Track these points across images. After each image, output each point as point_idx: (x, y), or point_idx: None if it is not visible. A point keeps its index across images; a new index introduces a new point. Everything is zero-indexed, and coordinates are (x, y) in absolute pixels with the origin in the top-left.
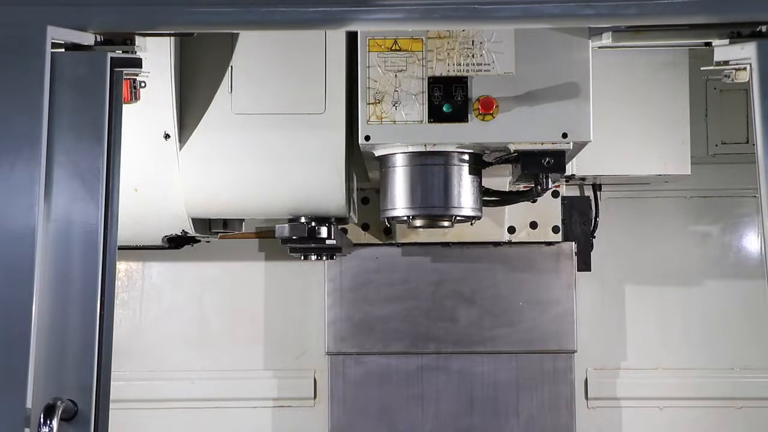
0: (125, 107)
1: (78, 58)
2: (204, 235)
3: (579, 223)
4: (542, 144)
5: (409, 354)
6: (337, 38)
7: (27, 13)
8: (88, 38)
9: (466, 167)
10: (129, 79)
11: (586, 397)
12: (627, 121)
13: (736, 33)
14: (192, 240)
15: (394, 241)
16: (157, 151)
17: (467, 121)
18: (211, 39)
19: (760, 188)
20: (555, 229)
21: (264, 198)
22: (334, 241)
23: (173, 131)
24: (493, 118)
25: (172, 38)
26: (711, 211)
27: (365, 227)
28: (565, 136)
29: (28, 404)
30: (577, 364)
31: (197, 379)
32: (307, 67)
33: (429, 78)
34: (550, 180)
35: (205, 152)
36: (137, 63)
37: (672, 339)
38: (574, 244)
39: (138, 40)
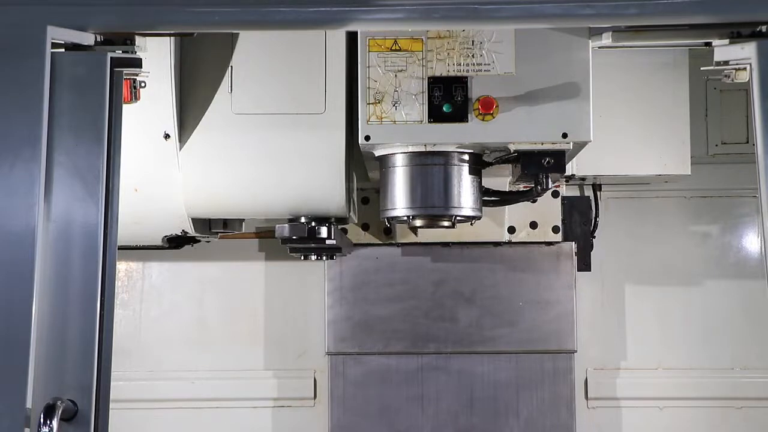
0: (125, 107)
1: (78, 58)
2: (204, 235)
3: (579, 223)
4: (542, 144)
5: (409, 354)
6: (337, 38)
7: (27, 13)
8: (88, 38)
9: (466, 167)
10: (129, 79)
11: (586, 397)
12: (627, 121)
13: (736, 33)
14: (192, 240)
15: (394, 241)
16: (157, 151)
17: (467, 121)
18: (211, 39)
19: (760, 188)
20: (555, 229)
21: (264, 198)
22: (334, 241)
23: (173, 131)
24: (493, 118)
25: (172, 38)
26: (711, 211)
27: (365, 227)
28: (565, 136)
29: (28, 404)
30: (577, 364)
31: (197, 379)
32: (307, 67)
33: (429, 78)
34: (550, 180)
35: (205, 152)
36: (137, 63)
37: (672, 339)
38: (574, 244)
39: (138, 40)
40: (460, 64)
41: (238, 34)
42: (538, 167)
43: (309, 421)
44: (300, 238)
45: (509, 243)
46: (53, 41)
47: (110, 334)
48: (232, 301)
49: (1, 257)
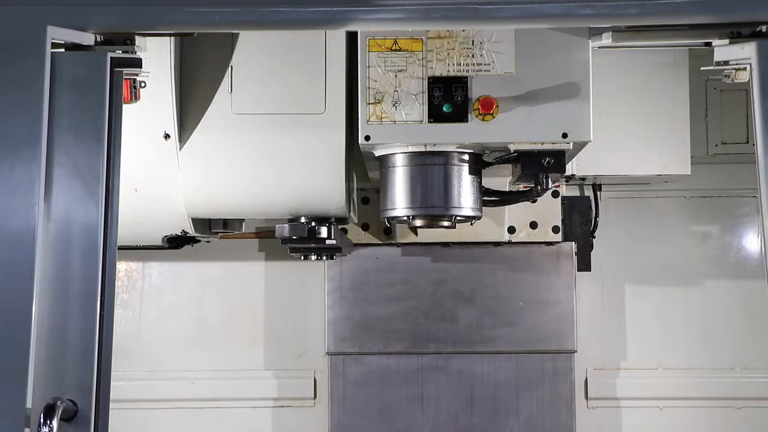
0: (125, 107)
1: (78, 58)
2: (204, 235)
3: (579, 223)
4: (542, 144)
5: (409, 354)
6: (337, 38)
7: (27, 13)
8: (88, 38)
9: (466, 167)
10: (129, 79)
11: (586, 397)
12: (627, 121)
13: (736, 33)
14: (192, 240)
15: (394, 241)
16: (157, 151)
17: (467, 121)
18: (211, 39)
19: (760, 188)
20: (555, 229)
21: (264, 198)
22: (334, 241)
23: (173, 131)
24: (493, 118)
25: (172, 38)
26: (711, 211)
27: (365, 227)
28: (565, 136)
29: (28, 404)
30: (577, 364)
31: (197, 379)
32: (307, 67)
33: (429, 78)
34: (550, 180)
35: (205, 152)
36: (137, 63)
37: (672, 339)
38: (574, 244)
39: (138, 40)
40: (460, 64)
41: (238, 34)
42: (538, 167)
43: (309, 421)
44: (300, 238)
45: (509, 243)
46: (53, 41)
47: (110, 334)
48: (232, 301)
49: (1, 257)
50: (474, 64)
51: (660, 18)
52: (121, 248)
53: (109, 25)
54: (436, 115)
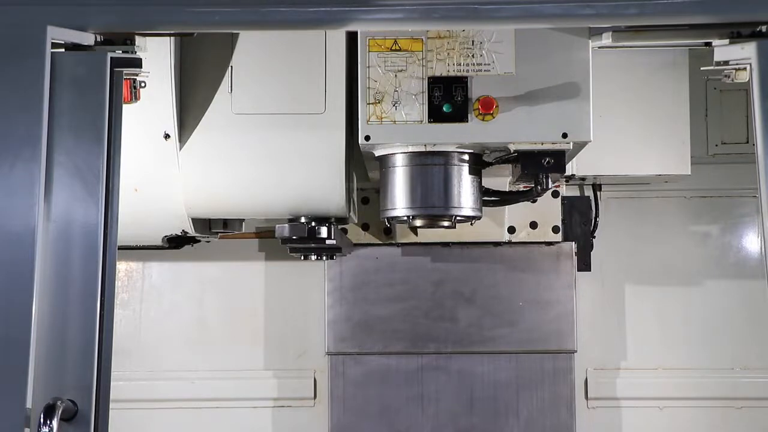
0: (125, 107)
1: (78, 58)
2: (204, 235)
3: (579, 223)
4: (542, 144)
5: (409, 354)
6: (337, 38)
7: (27, 13)
8: (88, 38)
9: (466, 167)
10: (129, 79)
11: (586, 397)
12: (627, 121)
13: (736, 33)
14: (192, 240)
15: (394, 241)
16: (157, 151)
17: (467, 121)
18: (211, 39)
19: (760, 188)
20: (555, 229)
21: (264, 198)
22: (334, 241)
23: (173, 131)
24: (493, 118)
25: (172, 38)
26: (711, 211)
27: (365, 227)
28: (565, 136)
29: (28, 404)
30: (577, 364)
31: (197, 379)
32: (307, 67)
33: (429, 78)
34: (550, 180)
35: (205, 152)
36: (137, 63)
37: (672, 339)
38: (574, 244)
39: (138, 40)
40: (460, 64)
41: (238, 34)
42: (538, 167)
43: (309, 421)
44: (300, 238)
45: (509, 243)
46: (53, 41)
47: (110, 334)
48: (232, 301)
49: (1, 257)
50: (474, 64)
51: (660, 18)
52: (121, 248)
53: (109, 25)
54: (436, 115)
